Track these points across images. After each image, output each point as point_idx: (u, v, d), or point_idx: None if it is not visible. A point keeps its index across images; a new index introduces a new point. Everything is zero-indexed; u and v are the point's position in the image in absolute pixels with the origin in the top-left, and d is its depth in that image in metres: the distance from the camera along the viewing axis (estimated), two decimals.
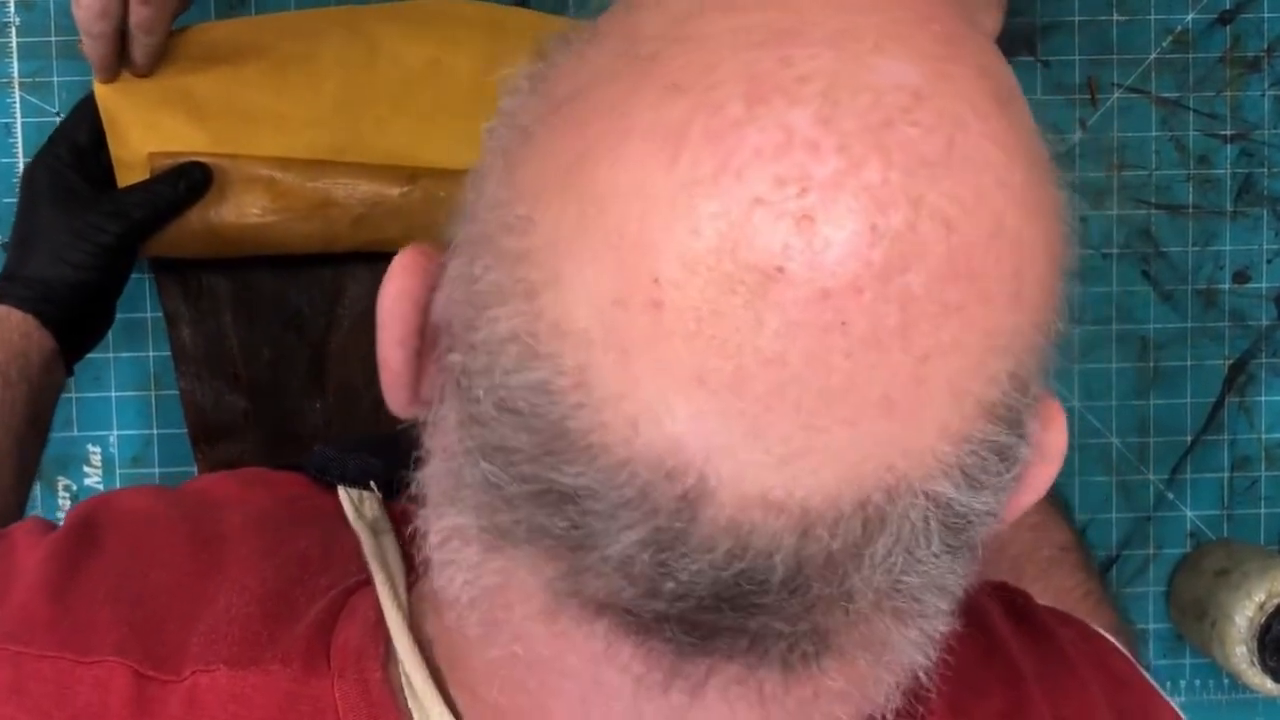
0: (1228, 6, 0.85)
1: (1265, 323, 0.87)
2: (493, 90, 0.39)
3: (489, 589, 0.38)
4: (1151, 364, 0.87)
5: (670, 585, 0.35)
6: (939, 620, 0.39)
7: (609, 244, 0.34)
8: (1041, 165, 0.38)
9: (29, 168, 0.77)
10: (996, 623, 0.53)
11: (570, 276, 0.34)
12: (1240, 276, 0.87)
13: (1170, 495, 0.88)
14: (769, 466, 0.34)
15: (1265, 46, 0.86)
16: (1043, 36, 0.85)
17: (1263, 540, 0.88)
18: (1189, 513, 0.88)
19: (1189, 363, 0.87)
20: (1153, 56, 0.85)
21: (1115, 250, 0.86)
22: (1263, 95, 0.86)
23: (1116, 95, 0.85)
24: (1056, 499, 0.76)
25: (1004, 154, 0.35)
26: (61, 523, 0.52)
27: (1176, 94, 0.86)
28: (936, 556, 0.36)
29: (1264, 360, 0.88)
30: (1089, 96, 0.85)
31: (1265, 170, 0.86)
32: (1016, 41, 0.85)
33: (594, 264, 0.34)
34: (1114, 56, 0.85)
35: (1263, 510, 0.88)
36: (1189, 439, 0.88)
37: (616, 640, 0.37)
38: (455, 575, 0.39)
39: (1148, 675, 0.56)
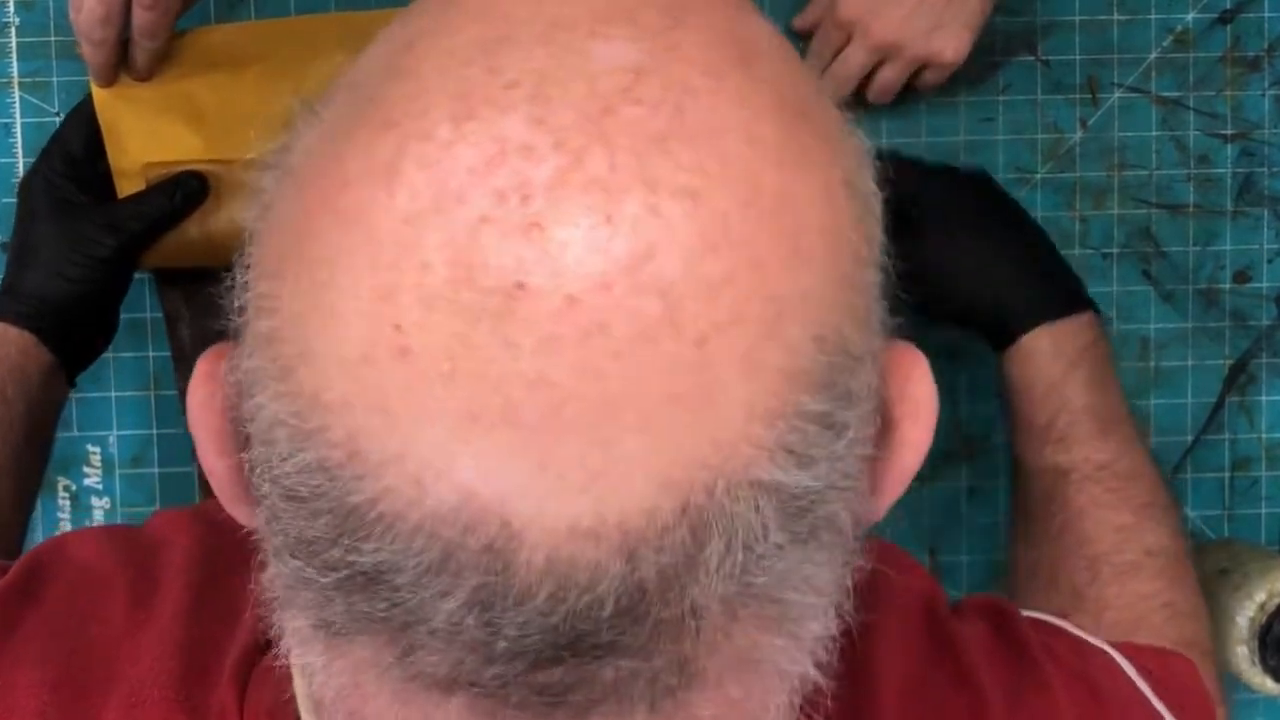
0: (1228, 6, 0.85)
1: (1266, 323, 0.87)
2: None
3: (344, 687, 0.36)
4: (1152, 364, 0.87)
5: (503, 645, 0.33)
6: (814, 621, 0.37)
7: (346, 302, 0.32)
8: (808, 111, 0.35)
9: (24, 180, 0.77)
10: (971, 648, 0.52)
11: (318, 346, 0.33)
12: (1241, 276, 0.87)
13: None
14: (570, 495, 0.31)
15: (1265, 46, 0.86)
16: (1043, 36, 0.85)
17: (1263, 540, 0.88)
18: (1190, 512, 0.88)
19: (1189, 362, 0.87)
20: (1153, 56, 0.85)
21: (1115, 250, 0.86)
22: (1263, 95, 0.86)
23: (1117, 95, 0.85)
24: (1163, 498, 0.73)
25: (748, 110, 0.33)
26: (13, 565, 0.51)
27: (1177, 94, 0.86)
28: (782, 548, 0.34)
29: (1264, 360, 0.88)
30: (1089, 96, 0.85)
31: (1266, 170, 0.86)
32: (1016, 41, 0.85)
33: (336, 327, 0.32)
34: (1114, 56, 0.85)
35: (1263, 510, 0.88)
36: (1189, 439, 0.88)
37: (473, 717, 0.35)
38: (312, 677, 0.37)
39: (1148, 692, 0.55)
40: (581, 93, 0.32)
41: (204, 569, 0.50)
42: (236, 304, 0.36)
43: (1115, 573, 0.70)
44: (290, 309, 0.34)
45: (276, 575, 0.36)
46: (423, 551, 0.32)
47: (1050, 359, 0.74)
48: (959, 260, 0.76)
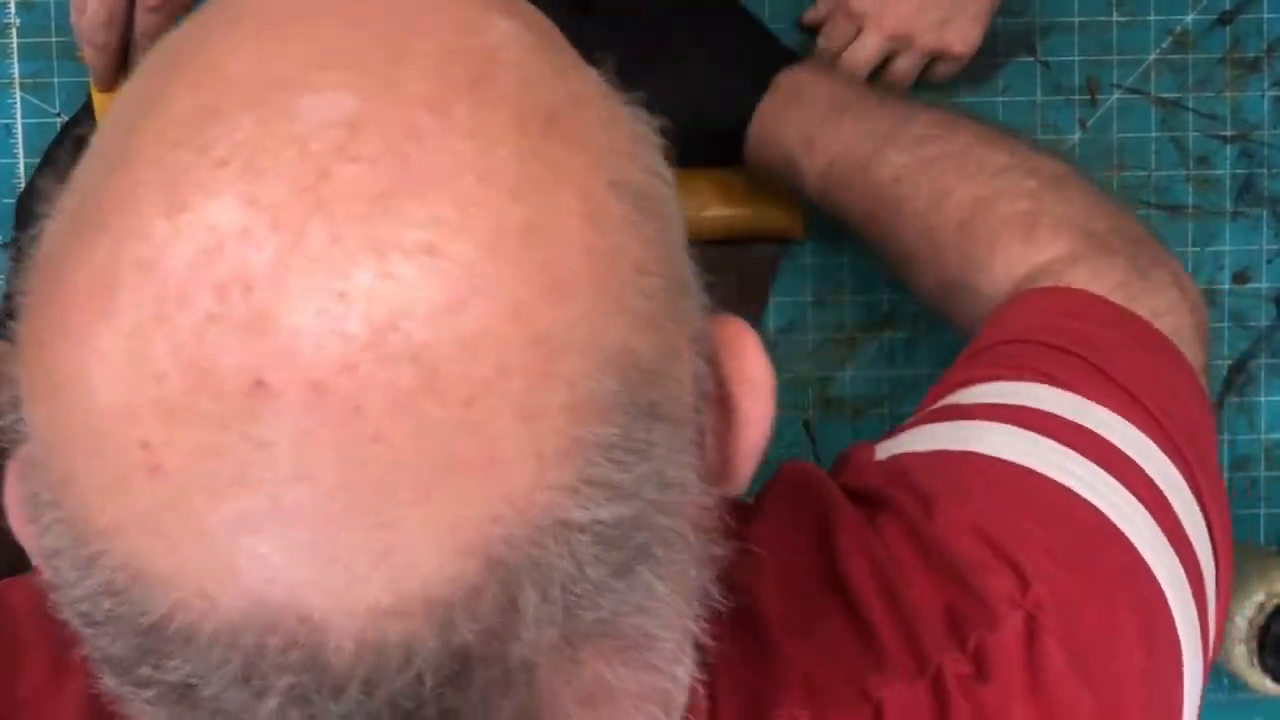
0: (1227, 7, 0.85)
1: (1265, 323, 0.87)
2: None
3: None
4: None
5: None
6: (667, 635, 0.36)
7: (89, 426, 0.31)
8: (558, 115, 0.33)
9: (25, 191, 0.76)
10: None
11: (77, 471, 0.31)
12: (1240, 277, 0.87)
13: None
14: (363, 581, 0.30)
15: (1265, 47, 0.86)
16: (1042, 37, 0.85)
17: (1262, 540, 0.88)
18: None
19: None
20: (1152, 57, 0.85)
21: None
22: (1262, 96, 0.86)
23: (1116, 96, 0.86)
24: (994, 132, 0.70)
25: (480, 140, 0.31)
26: None
27: (1176, 95, 0.86)
28: (607, 580, 0.33)
29: (1264, 361, 0.88)
30: (1089, 97, 0.85)
31: (1265, 171, 0.86)
32: (1016, 42, 0.85)
33: (88, 451, 0.31)
34: (1114, 57, 0.85)
35: (1262, 510, 0.88)
36: None
37: None
38: None
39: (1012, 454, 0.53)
40: (293, 160, 0.30)
41: None
42: (5, 421, 0.34)
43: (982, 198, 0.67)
44: (44, 435, 0.32)
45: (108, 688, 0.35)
46: (226, 661, 0.31)
47: (775, 132, 0.72)
48: (655, 97, 0.74)
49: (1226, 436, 0.88)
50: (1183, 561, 0.53)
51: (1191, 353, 0.62)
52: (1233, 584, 0.81)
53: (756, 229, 0.82)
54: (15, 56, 0.82)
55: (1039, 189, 0.66)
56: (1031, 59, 0.85)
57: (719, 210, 0.81)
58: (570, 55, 0.36)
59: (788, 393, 0.86)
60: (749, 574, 0.49)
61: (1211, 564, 0.56)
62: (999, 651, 0.47)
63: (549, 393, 0.31)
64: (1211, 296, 0.87)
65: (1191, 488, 0.56)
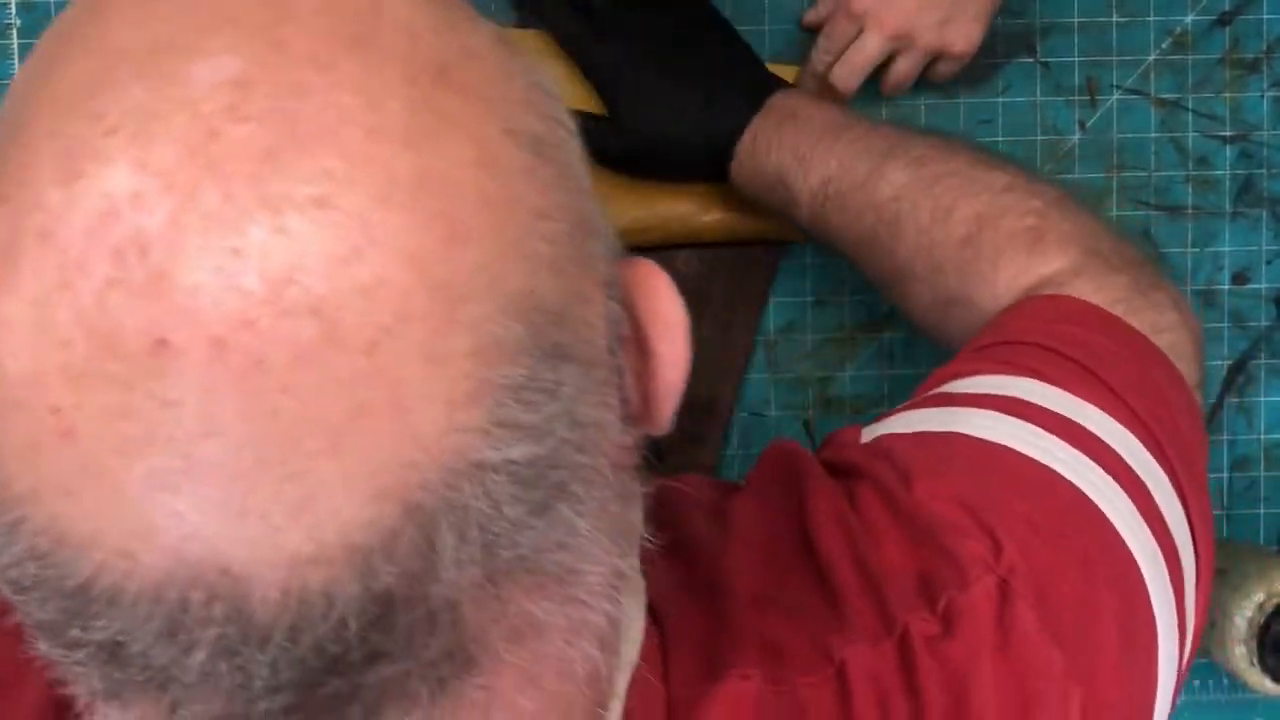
0: (1227, 8, 0.85)
1: (1264, 324, 0.87)
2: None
3: None
4: None
5: (260, 684, 0.33)
6: (593, 569, 0.37)
7: (3, 392, 0.31)
8: (449, 68, 0.34)
9: None
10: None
11: None
12: (1239, 278, 0.87)
13: None
14: (281, 531, 0.31)
15: (1264, 48, 0.86)
16: (1042, 37, 0.85)
17: (1262, 540, 0.89)
18: None
19: None
20: (1152, 58, 0.86)
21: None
22: (1262, 96, 0.86)
23: (1116, 96, 0.86)
24: (979, 153, 0.70)
25: (367, 96, 0.32)
26: None
27: (1176, 95, 0.86)
28: (525, 519, 0.34)
29: (1263, 361, 0.88)
30: (1088, 97, 0.86)
31: (1265, 171, 0.86)
32: (1016, 43, 0.85)
33: (2, 418, 0.32)
34: (1113, 58, 0.85)
35: (1262, 510, 0.88)
36: None
37: None
38: None
39: (999, 435, 0.54)
40: (183, 124, 0.31)
41: None
42: None
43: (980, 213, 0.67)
44: None
45: (41, 652, 0.36)
46: (151, 618, 0.32)
47: (767, 150, 0.72)
48: (646, 112, 0.74)
49: (1226, 436, 0.88)
50: (1160, 544, 0.53)
51: (1188, 370, 0.62)
52: (1233, 584, 0.81)
53: (756, 231, 0.82)
54: (16, 57, 0.82)
55: (1044, 208, 0.67)
56: (1031, 59, 0.85)
57: (719, 213, 0.81)
58: (462, 9, 0.36)
59: (788, 393, 0.86)
60: (721, 542, 0.50)
61: (1192, 558, 0.56)
62: (968, 610, 0.48)
63: (452, 338, 0.32)
64: (1211, 297, 0.87)
65: (1174, 486, 0.56)
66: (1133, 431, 0.56)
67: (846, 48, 0.80)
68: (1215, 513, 0.88)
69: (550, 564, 0.35)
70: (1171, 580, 0.53)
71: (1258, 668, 0.80)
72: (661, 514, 0.50)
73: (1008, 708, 0.47)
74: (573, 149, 0.37)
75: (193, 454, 0.30)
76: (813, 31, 0.82)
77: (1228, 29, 0.86)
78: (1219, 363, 0.87)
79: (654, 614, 0.46)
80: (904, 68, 0.81)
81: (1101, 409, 0.56)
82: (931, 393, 0.59)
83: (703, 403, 0.83)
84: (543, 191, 0.35)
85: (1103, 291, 0.63)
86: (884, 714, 0.46)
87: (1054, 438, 0.54)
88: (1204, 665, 0.88)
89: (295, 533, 0.31)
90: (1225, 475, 0.88)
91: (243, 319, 0.30)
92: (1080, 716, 0.48)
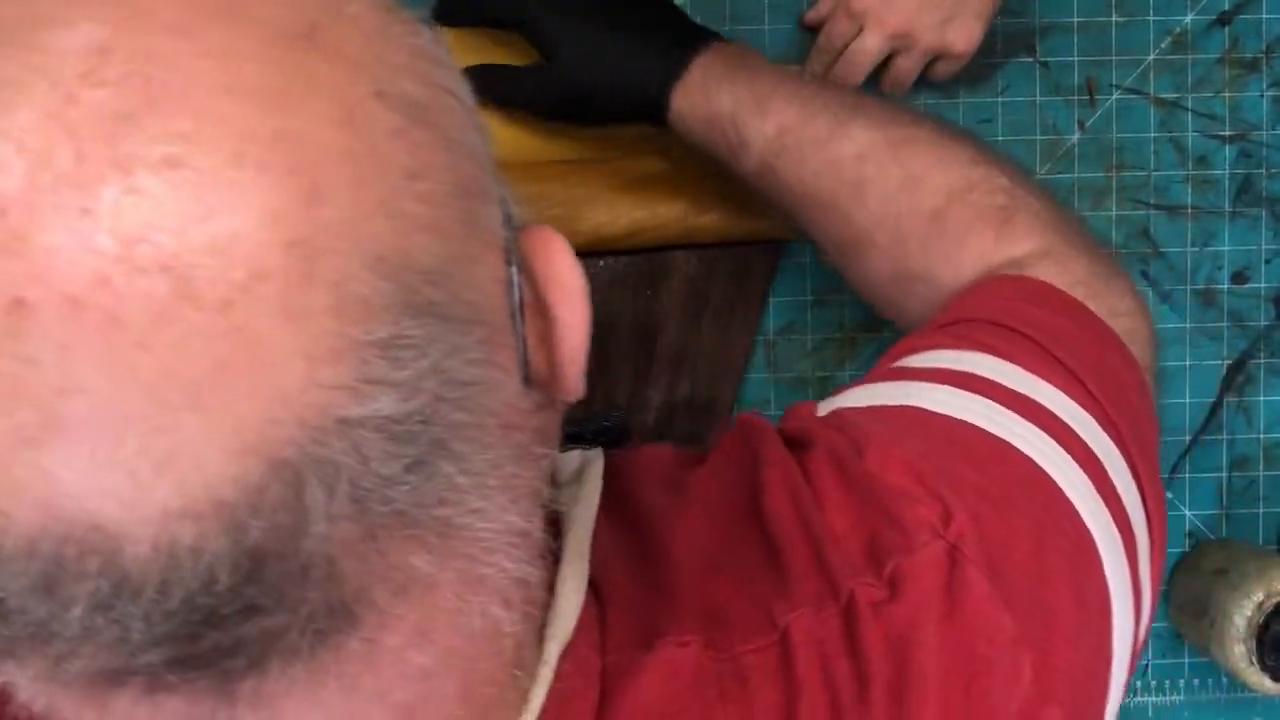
0: (1226, 7, 0.85)
1: (1264, 323, 0.87)
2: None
3: (35, 695, 0.37)
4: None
5: (138, 637, 0.33)
6: (486, 525, 0.37)
7: None
8: (317, 33, 0.34)
9: None
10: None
11: None
12: (1239, 277, 0.87)
13: (1169, 495, 0.88)
14: (149, 487, 0.31)
15: (1264, 47, 0.86)
16: (1042, 37, 0.85)
17: (1261, 540, 0.89)
18: (1187, 512, 0.88)
19: (1187, 363, 0.88)
20: (1151, 57, 0.86)
21: (1114, 251, 0.86)
22: (1261, 96, 0.86)
23: (1115, 96, 0.86)
24: (918, 120, 0.69)
25: (225, 60, 0.33)
26: None
27: (1175, 95, 0.86)
28: (399, 474, 0.34)
29: (1262, 360, 0.88)
30: (1088, 97, 0.86)
31: (1264, 171, 0.86)
32: (1015, 42, 0.85)
33: None
34: (1113, 57, 0.85)
35: (1261, 510, 0.89)
36: (1187, 439, 0.88)
37: (152, 699, 0.35)
38: (16, 693, 0.37)
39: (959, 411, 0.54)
40: (43, 89, 0.31)
41: None
42: None
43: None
44: None
45: None
46: (25, 573, 0.32)
47: (719, 86, 0.70)
48: (584, 59, 0.74)
49: (1226, 436, 0.88)
50: (1114, 518, 0.54)
51: (1142, 355, 0.63)
52: (1232, 584, 0.81)
53: (753, 232, 0.82)
54: None
55: (1010, 185, 0.66)
56: (1031, 59, 0.85)
57: (716, 214, 0.81)
58: None
59: (788, 393, 0.86)
60: (674, 511, 0.50)
61: (1145, 533, 0.56)
62: (914, 574, 0.48)
63: (311, 294, 0.32)
64: (1210, 296, 0.87)
65: (1128, 463, 0.56)
66: (1088, 410, 0.56)
67: (846, 47, 0.80)
68: (1215, 512, 0.88)
69: (429, 519, 0.36)
70: (1126, 553, 0.54)
71: (1257, 667, 0.80)
72: (615, 486, 0.50)
73: (954, 671, 0.47)
74: (459, 115, 0.37)
75: (56, 410, 0.31)
76: (813, 31, 0.82)
77: (1227, 28, 0.86)
78: (1219, 362, 0.88)
79: (595, 587, 0.47)
80: (904, 67, 0.81)
81: (1058, 387, 0.56)
82: (889, 367, 0.59)
83: (703, 402, 0.83)
84: (413, 152, 0.35)
85: (1065, 275, 0.63)
86: (827, 678, 0.46)
87: (1010, 413, 0.54)
88: (1204, 665, 0.88)
89: (162, 488, 0.31)
90: (1225, 475, 0.88)
91: (97, 277, 0.31)
92: (1032, 682, 0.48)
